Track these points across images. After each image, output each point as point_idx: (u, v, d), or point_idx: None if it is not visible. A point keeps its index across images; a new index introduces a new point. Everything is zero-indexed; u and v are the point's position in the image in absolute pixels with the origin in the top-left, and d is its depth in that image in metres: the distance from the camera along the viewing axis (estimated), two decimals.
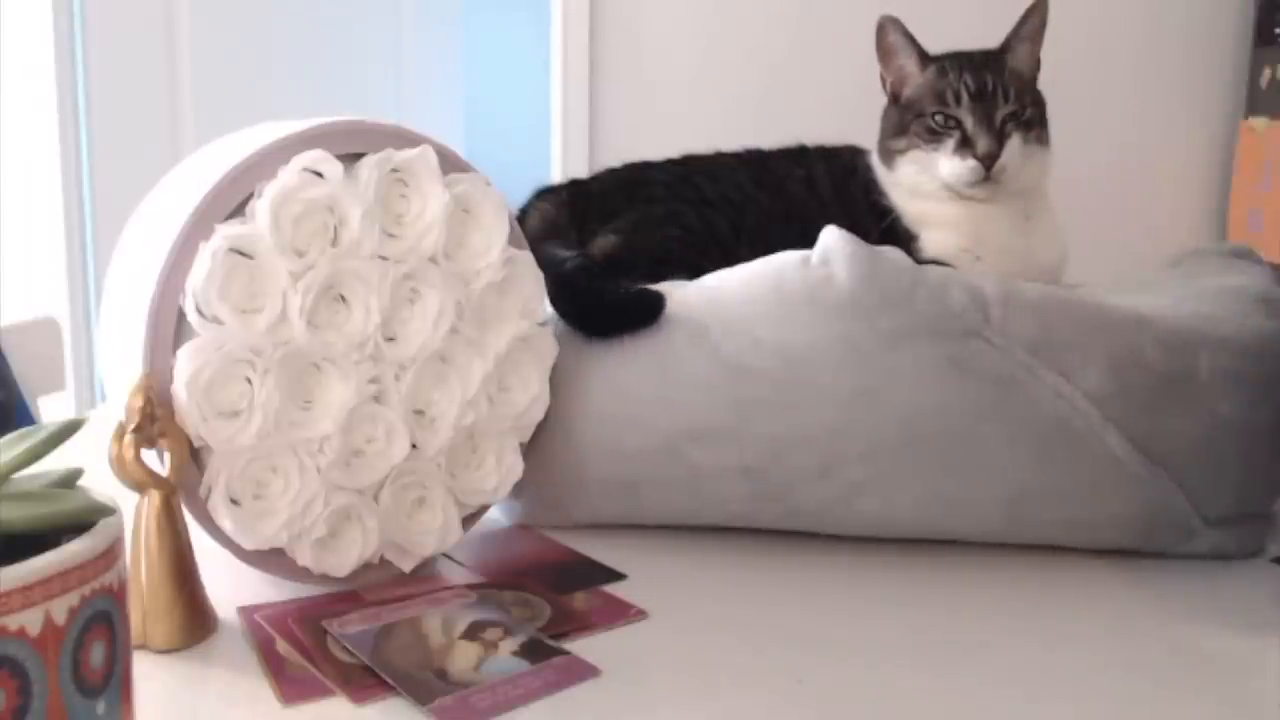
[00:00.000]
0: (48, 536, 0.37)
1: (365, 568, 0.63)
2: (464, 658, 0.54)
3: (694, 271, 0.76)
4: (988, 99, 0.87)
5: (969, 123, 0.87)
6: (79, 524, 0.38)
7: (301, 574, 0.61)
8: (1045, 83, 0.91)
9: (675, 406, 0.68)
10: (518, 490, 0.70)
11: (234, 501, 0.58)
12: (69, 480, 0.41)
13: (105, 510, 0.39)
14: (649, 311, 0.70)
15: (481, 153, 1.06)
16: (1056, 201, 0.92)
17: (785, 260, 0.71)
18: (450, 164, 0.64)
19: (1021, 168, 0.87)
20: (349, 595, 0.62)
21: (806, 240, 0.71)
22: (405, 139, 0.63)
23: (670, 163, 0.95)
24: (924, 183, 0.89)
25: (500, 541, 0.73)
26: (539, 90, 2.48)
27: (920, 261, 0.74)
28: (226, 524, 0.58)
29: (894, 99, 0.94)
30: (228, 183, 0.58)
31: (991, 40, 0.91)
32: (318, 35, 2.46)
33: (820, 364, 0.67)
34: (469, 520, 0.68)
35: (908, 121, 0.90)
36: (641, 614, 0.61)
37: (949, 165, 0.87)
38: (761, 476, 0.68)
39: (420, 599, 0.61)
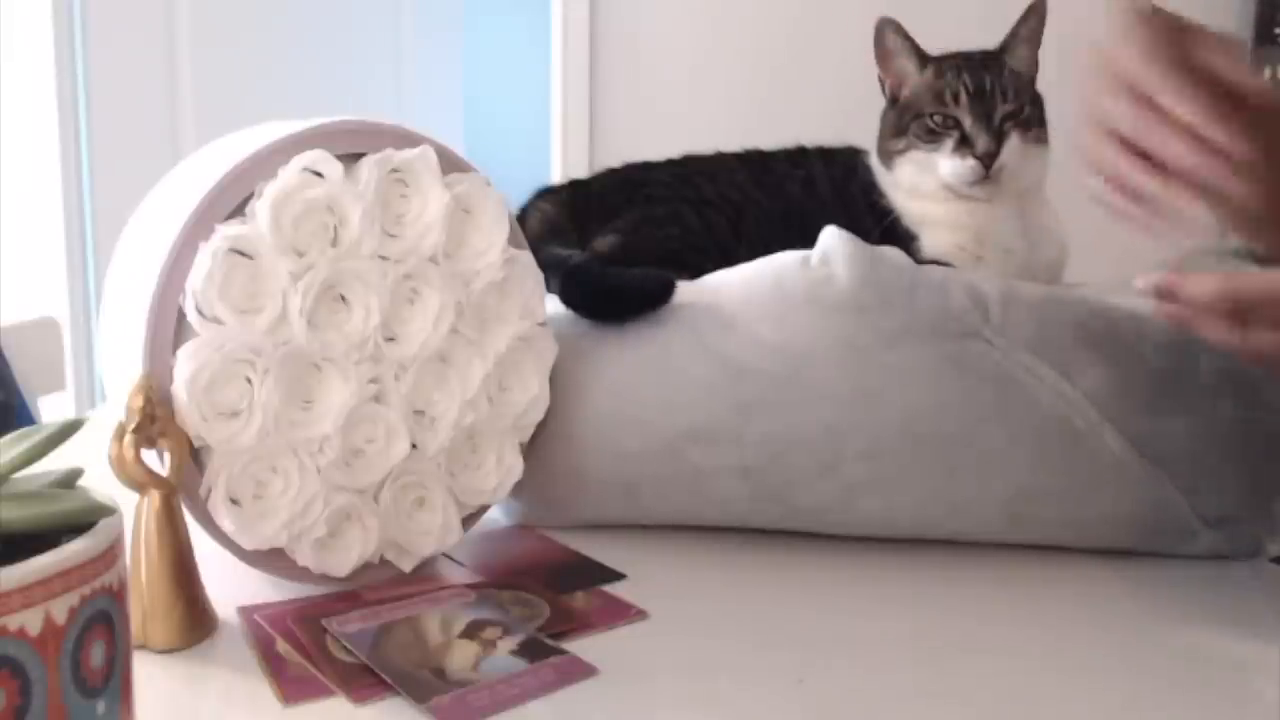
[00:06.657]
0: (48, 536, 0.37)
1: (365, 567, 0.63)
2: (462, 656, 0.54)
3: (694, 271, 0.76)
4: (986, 99, 0.87)
5: (968, 122, 0.87)
6: (79, 524, 0.38)
7: (301, 574, 0.61)
8: (1045, 83, 0.91)
9: (675, 406, 0.68)
10: (518, 490, 0.70)
11: (234, 501, 0.58)
12: (69, 480, 0.41)
13: (105, 510, 0.39)
14: (661, 292, 0.70)
15: (481, 153, 1.06)
16: (1056, 201, 0.92)
17: (785, 260, 0.71)
18: (450, 164, 0.64)
19: (1021, 167, 0.87)
20: (349, 595, 0.62)
21: (806, 240, 0.71)
22: (405, 139, 0.63)
23: (670, 163, 0.95)
24: (923, 183, 0.89)
25: (500, 541, 0.73)
26: (539, 91, 2.48)
27: (920, 261, 0.74)
28: (226, 524, 0.58)
29: (893, 100, 0.94)
30: (228, 183, 0.58)
31: (991, 40, 0.91)
32: (318, 36, 2.46)
33: (820, 364, 0.67)
34: (469, 520, 0.68)
35: (906, 122, 0.90)
36: (641, 614, 0.61)
37: (948, 165, 0.87)
38: (761, 476, 0.68)
39: (419, 598, 0.61)
